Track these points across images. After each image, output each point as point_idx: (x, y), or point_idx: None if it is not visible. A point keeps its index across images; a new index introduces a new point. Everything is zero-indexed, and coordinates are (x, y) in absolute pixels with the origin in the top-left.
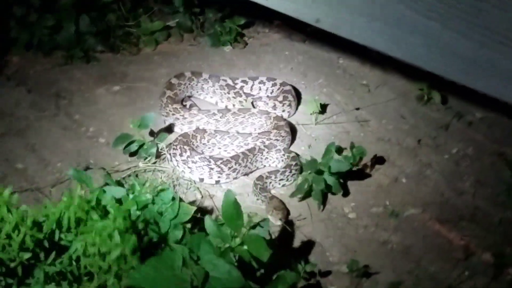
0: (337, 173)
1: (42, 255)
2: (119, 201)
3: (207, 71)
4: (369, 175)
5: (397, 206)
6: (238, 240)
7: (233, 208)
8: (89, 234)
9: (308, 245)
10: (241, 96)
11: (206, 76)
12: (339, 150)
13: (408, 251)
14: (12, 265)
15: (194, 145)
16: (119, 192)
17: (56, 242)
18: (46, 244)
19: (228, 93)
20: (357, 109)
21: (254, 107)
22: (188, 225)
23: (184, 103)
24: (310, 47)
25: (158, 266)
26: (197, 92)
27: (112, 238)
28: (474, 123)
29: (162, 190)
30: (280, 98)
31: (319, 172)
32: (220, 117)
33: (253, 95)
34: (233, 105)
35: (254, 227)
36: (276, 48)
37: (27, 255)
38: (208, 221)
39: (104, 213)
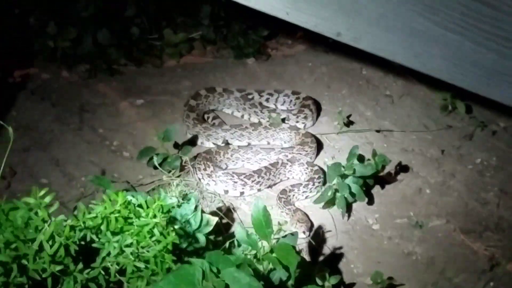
0: (362, 177)
1: (71, 264)
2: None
3: (230, 83)
4: (393, 186)
5: (421, 217)
6: (267, 248)
7: (263, 216)
8: (125, 234)
9: (332, 256)
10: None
11: (236, 93)
12: (362, 159)
13: (432, 262)
14: (44, 275)
15: (217, 160)
16: (139, 196)
17: (86, 246)
18: (72, 251)
19: (254, 107)
20: (378, 131)
21: (284, 122)
22: (211, 237)
23: (206, 116)
24: (333, 58)
25: (177, 281)
26: (224, 106)
27: (152, 234)
28: (498, 132)
29: (185, 198)
30: (295, 111)
31: (343, 176)
32: (253, 130)
33: (268, 107)
34: (249, 118)
35: (284, 236)
36: (299, 59)
37: (58, 267)
38: (238, 228)
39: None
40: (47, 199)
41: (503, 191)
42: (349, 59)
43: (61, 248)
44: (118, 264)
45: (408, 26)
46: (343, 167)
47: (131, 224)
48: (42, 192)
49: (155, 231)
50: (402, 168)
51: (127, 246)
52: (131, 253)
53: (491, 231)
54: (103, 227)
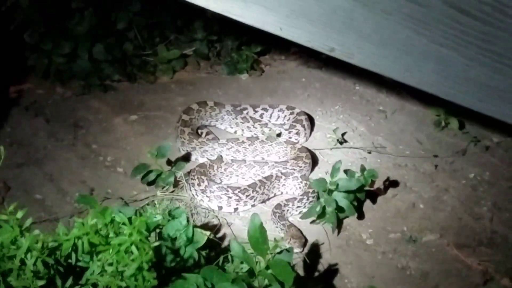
0: (347, 191)
1: (59, 281)
2: (130, 220)
3: (223, 99)
4: (386, 201)
5: (415, 232)
6: (263, 264)
7: (259, 232)
8: (107, 252)
9: (327, 272)
10: (259, 125)
11: (228, 107)
12: (352, 174)
13: (426, 276)
14: None
15: (211, 174)
16: (128, 210)
17: (73, 265)
18: (61, 269)
19: (246, 121)
20: (369, 152)
21: (279, 137)
22: (204, 252)
23: (200, 131)
24: (326, 74)
25: None
26: (217, 121)
27: (129, 254)
28: (491, 147)
29: (175, 214)
30: (287, 126)
31: (329, 192)
32: (249, 145)
33: (260, 122)
34: (242, 133)
35: (280, 252)
36: (292, 75)
37: (41, 282)
38: (234, 243)
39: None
40: (19, 215)
41: (496, 206)
42: (342, 75)
43: (38, 262)
44: (103, 282)
45: (401, 42)
46: (328, 182)
47: (108, 243)
48: (11, 208)
49: (133, 249)
50: (395, 183)
51: (109, 264)
52: (112, 272)
53: (485, 245)
54: (79, 247)
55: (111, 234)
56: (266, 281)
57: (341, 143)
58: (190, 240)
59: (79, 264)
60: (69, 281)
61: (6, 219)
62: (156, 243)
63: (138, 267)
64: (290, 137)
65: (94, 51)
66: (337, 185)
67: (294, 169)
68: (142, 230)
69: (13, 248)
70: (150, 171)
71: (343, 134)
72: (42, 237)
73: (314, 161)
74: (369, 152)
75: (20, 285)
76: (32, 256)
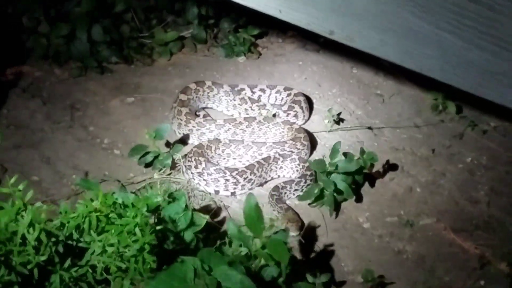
0: (346, 173)
1: (57, 260)
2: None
3: (220, 81)
4: (383, 185)
5: (412, 216)
6: (259, 244)
7: (255, 212)
8: (109, 233)
9: (323, 255)
10: (257, 107)
11: (226, 87)
12: (351, 157)
13: (422, 260)
14: (29, 267)
15: (209, 155)
16: (128, 196)
17: (74, 245)
18: (60, 249)
19: (244, 102)
20: (370, 128)
21: (274, 117)
22: (201, 235)
23: (197, 114)
24: (324, 57)
25: (168, 280)
26: (214, 103)
27: (131, 235)
28: (489, 132)
29: (174, 197)
30: (285, 108)
31: (328, 173)
32: (246, 127)
33: (258, 102)
34: (239, 114)
35: (276, 233)
36: (290, 58)
37: (43, 258)
38: (230, 224)
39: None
40: (20, 187)
41: (493, 190)
42: (340, 58)
43: (42, 234)
44: (103, 262)
45: (401, 26)
46: (327, 163)
47: (113, 224)
48: (13, 180)
49: (136, 230)
50: (393, 167)
51: (110, 245)
52: (113, 253)
53: (482, 230)
54: (85, 226)
55: (114, 216)
56: (263, 262)
57: (337, 122)
58: (189, 223)
59: (80, 245)
60: (68, 262)
61: (8, 192)
62: (159, 227)
63: (139, 249)
64: (288, 119)
65: (92, 33)
66: (336, 166)
67: (292, 151)
68: (144, 212)
69: (15, 225)
70: (148, 153)
71: (338, 114)
72: (45, 207)
73: (313, 145)
74: (370, 128)
75: (21, 261)
76: (35, 229)
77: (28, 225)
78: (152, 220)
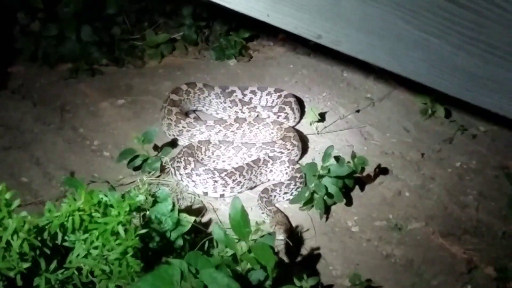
0: (337, 177)
1: (43, 263)
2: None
3: (211, 84)
4: (372, 189)
5: (400, 220)
6: (245, 248)
7: (241, 216)
8: (93, 232)
9: (311, 258)
10: (247, 109)
11: (217, 89)
12: (341, 161)
13: (411, 264)
14: (11, 274)
15: (199, 157)
16: (113, 194)
17: (59, 245)
18: (47, 250)
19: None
20: (358, 111)
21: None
22: (189, 237)
23: (188, 116)
24: (314, 61)
25: (155, 282)
26: (205, 106)
27: (114, 236)
28: (478, 136)
29: (160, 196)
30: (275, 109)
31: (319, 177)
32: (237, 128)
33: (249, 105)
34: (229, 116)
35: (262, 236)
36: (280, 61)
37: (26, 265)
38: (216, 227)
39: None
40: (7, 196)
41: (482, 195)
42: (330, 62)
43: (25, 244)
44: (88, 265)
45: (389, 30)
46: (319, 167)
47: (97, 222)
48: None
49: (120, 229)
50: (382, 170)
51: (94, 248)
52: (97, 255)
53: (470, 234)
54: (69, 225)
55: (98, 215)
56: (249, 265)
57: (320, 121)
58: (175, 225)
59: (65, 244)
60: (54, 264)
61: None
62: (143, 231)
63: (122, 252)
64: (278, 120)
65: (82, 33)
66: (329, 170)
67: (282, 152)
68: (127, 211)
69: (1, 229)
70: (137, 156)
71: (323, 113)
72: (29, 218)
73: (303, 148)
74: (358, 111)
75: (5, 267)
76: (18, 238)
77: (12, 233)
78: (137, 221)
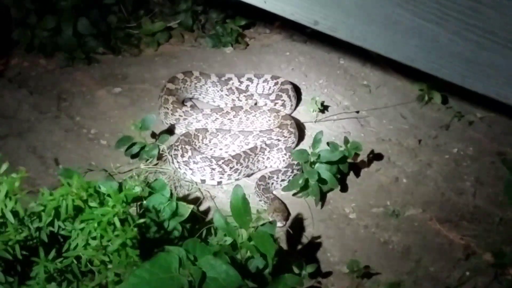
0: (329, 162)
1: (42, 252)
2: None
3: (208, 72)
4: (369, 176)
5: (398, 206)
6: (245, 236)
7: (242, 203)
8: (89, 223)
9: (309, 245)
10: (244, 97)
11: (214, 77)
12: (335, 147)
13: (408, 251)
14: (10, 243)
15: (196, 145)
16: (111, 185)
17: (56, 233)
18: (44, 237)
19: (232, 93)
20: (357, 112)
21: (256, 105)
22: (187, 225)
23: (184, 104)
24: (311, 48)
25: (153, 269)
26: (201, 94)
27: (111, 227)
28: (475, 123)
29: (155, 186)
30: (273, 97)
31: (311, 163)
32: (234, 116)
33: (246, 93)
34: (226, 104)
35: (263, 224)
36: (277, 48)
37: (24, 233)
38: (217, 215)
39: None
40: None
41: (479, 181)
42: (327, 49)
43: (18, 205)
44: (86, 255)
45: (385, 16)
46: (309, 153)
47: (92, 213)
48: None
49: (116, 221)
50: (379, 157)
51: (93, 238)
52: (96, 246)
53: (467, 220)
54: (62, 210)
55: (95, 204)
56: (249, 253)
57: (322, 111)
58: (173, 213)
59: (62, 232)
60: (53, 253)
61: None
62: (141, 221)
63: (121, 243)
64: (275, 108)
65: (79, 26)
66: (319, 156)
67: (279, 139)
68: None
69: None
70: (134, 144)
71: (322, 103)
72: (20, 175)
73: (300, 135)
74: (357, 112)
75: (2, 240)
76: (11, 200)
77: (4, 198)
78: (135, 211)
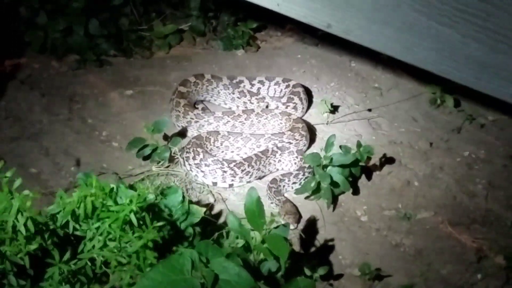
0: (342, 166)
1: (57, 254)
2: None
3: (219, 74)
4: (381, 178)
5: (409, 209)
6: (259, 238)
7: (256, 206)
8: (105, 221)
9: (321, 248)
10: (255, 100)
11: (225, 80)
12: (347, 150)
13: (420, 254)
14: (19, 255)
15: (207, 148)
16: (126, 194)
17: (70, 234)
18: (57, 240)
19: (243, 96)
20: (369, 110)
21: (267, 108)
22: (199, 228)
23: (196, 106)
24: (322, 51)
25: (166, 271)
26: (213, 96)
27: (128, 227)
28: (486, 125)
29: (168, 193)
30: (284, 100)
31: (324, 167)
32: (245, 119)
33: (257, 95)
34: (238, 107)
35: (277, 227)
36: (288, 51)
37: (33, 246)
38: (231, 217)
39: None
40: (9, 174)
41: (491, 184)
42: (338, 52)
43: (29, 222)
44: (103, 257)
45: (399, 19)
46: (321, 156)
47: (109, 210)
48: (8, 173)
49: (132, 218)
50: (391, 160)
51: (111, 240)
52: (115, 247)
53: (479, 223)
54: (81, 211)
55: (111, 202)
56: (262, 256)
57: (332, 112)
58: (186, 216)
59: (76, 233)
60: (67, 255)
61: None
62: (160, 223)
63: (143, 245)
64: (286, 111)
65: (90, 27)
66: (331, 159)
67: (291, 142)
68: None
69: (6, 213)
70: (146, 146)
71: (332, 104)
72: (31, 195)
73: (311, 138)
74: (370, 110)
75: (12, 250)
76: (22, 217)
77: (16, 213)
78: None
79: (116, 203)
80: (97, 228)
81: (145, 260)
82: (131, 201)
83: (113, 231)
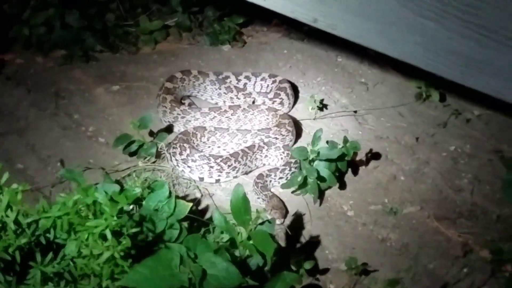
0: (328, 160)
1: (39, 256)
2: (111, 197)
3: (205, 70)
4: (367, 173)
5: (396, 204)
6: (244, 235)
7: (242, 202)
8: (83, 233)
9: (307, 242)
10: (242, 95)
11: (212, 76)
12: (334, 146)
13: (406, 248)
14: (10, 250)
15: (194, 143)
16: (112, 188)
17: (52, 241)
18: (43, 240)
19: (230, 91)
20: (355, 112)
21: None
22: (185, 223)
23: (182, 102)
24: (308, 46)
25: (154, 266)
26: (199, 92)
27: (103, 239)
28: (472, 120)
29: (155, 187)
30: (271, 95)
31: (310, 161)
32: (232, 115)
33: (244, 91)
34: (224, 102)
35: (262, 223)
36: (274, 46)
37: (24, 240)
38: (216, 213)
39: (100, 213)
40: None
41: (476, 179)
42: (325, 47)
43: (20, 216)
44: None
45: (385, 14)
46: (308, 151)
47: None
48: None
49: (107, 233)
50: (377, 155)
51: (85, 246)
52: (87, 255)
53: (465, 218)
54: (58, 225)
55: (90, 216)
56: (248, 252)
57: (321, 109)
58: (172, 211)
59: (57, 241)
60: (49, 256)
61: None
62: (133, 230)
63: (110, 257)
64: (273, 107)
65: (70, 18)
66: (318, 153)
67: (277, 138)
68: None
69: None
70: (132, 142)
71: (321, 101)
72: (21, 188)
73: (297, 133)
74: (355, 112)
75: (2, 245)
76: (13, 211)
77: (5, 207)
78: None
79: (96, 214)
80: (76, 239)
81: (118, 267)
82: (108, 217)
83: (86, 240)
